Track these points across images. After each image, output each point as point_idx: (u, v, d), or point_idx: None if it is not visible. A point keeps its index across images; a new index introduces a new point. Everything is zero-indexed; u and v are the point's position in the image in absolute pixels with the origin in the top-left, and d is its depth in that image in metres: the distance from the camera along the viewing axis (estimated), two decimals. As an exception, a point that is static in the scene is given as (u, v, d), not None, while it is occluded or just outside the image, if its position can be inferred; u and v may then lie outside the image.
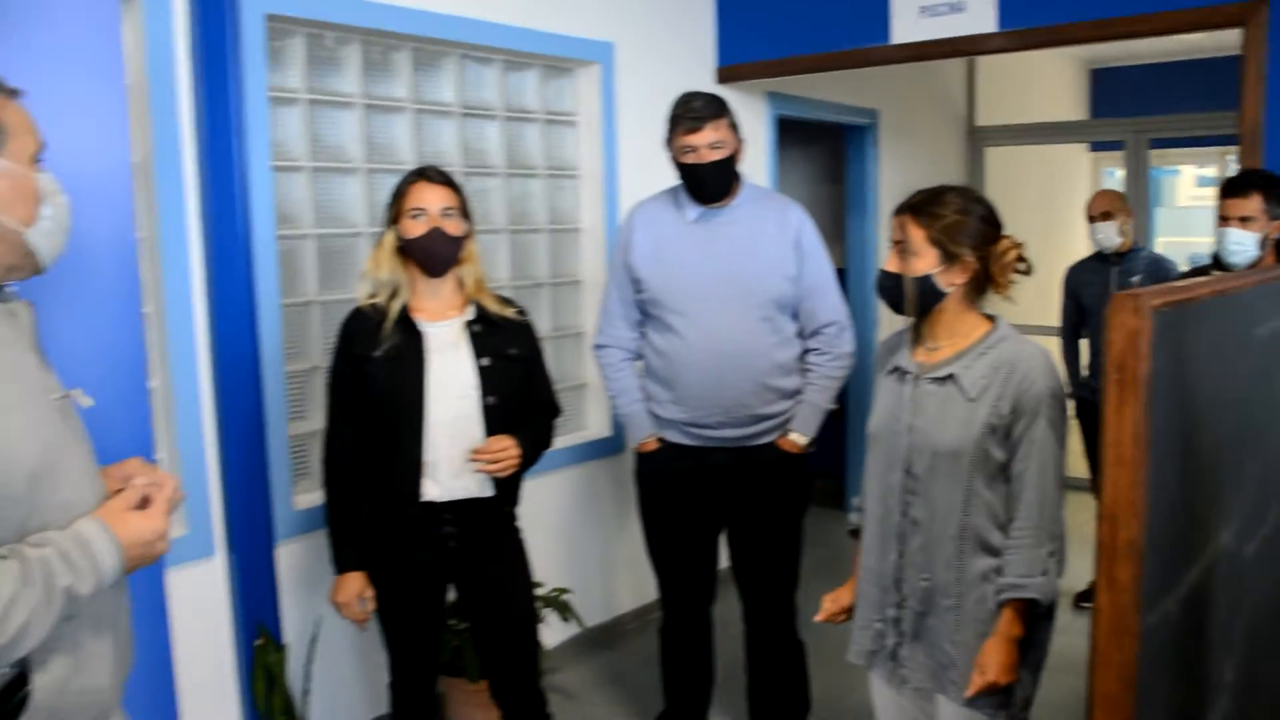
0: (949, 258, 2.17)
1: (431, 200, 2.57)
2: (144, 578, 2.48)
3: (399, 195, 2.62)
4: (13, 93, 1.55)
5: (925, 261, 2.18)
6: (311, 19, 3.31)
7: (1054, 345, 4.72)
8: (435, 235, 2.56)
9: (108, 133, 2.35)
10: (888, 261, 2.25)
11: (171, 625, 2.71)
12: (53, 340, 1.84)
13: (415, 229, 2.57)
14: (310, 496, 3.44)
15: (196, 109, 3.03)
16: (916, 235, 2.18)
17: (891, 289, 2.24)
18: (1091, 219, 4.69)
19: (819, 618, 2.48)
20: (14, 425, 1.41)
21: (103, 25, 2.40)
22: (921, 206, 2.19)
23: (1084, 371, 4.92)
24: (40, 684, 1.45)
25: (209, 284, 3.10)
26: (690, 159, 3.04)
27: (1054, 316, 5.37)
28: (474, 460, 2.58)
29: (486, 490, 2.64)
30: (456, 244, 2.60)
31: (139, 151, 2.91)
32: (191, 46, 3.01)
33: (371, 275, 2.66)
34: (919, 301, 2.20)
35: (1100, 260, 4.79)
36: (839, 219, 6.31)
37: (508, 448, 2.60)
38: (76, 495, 1.51)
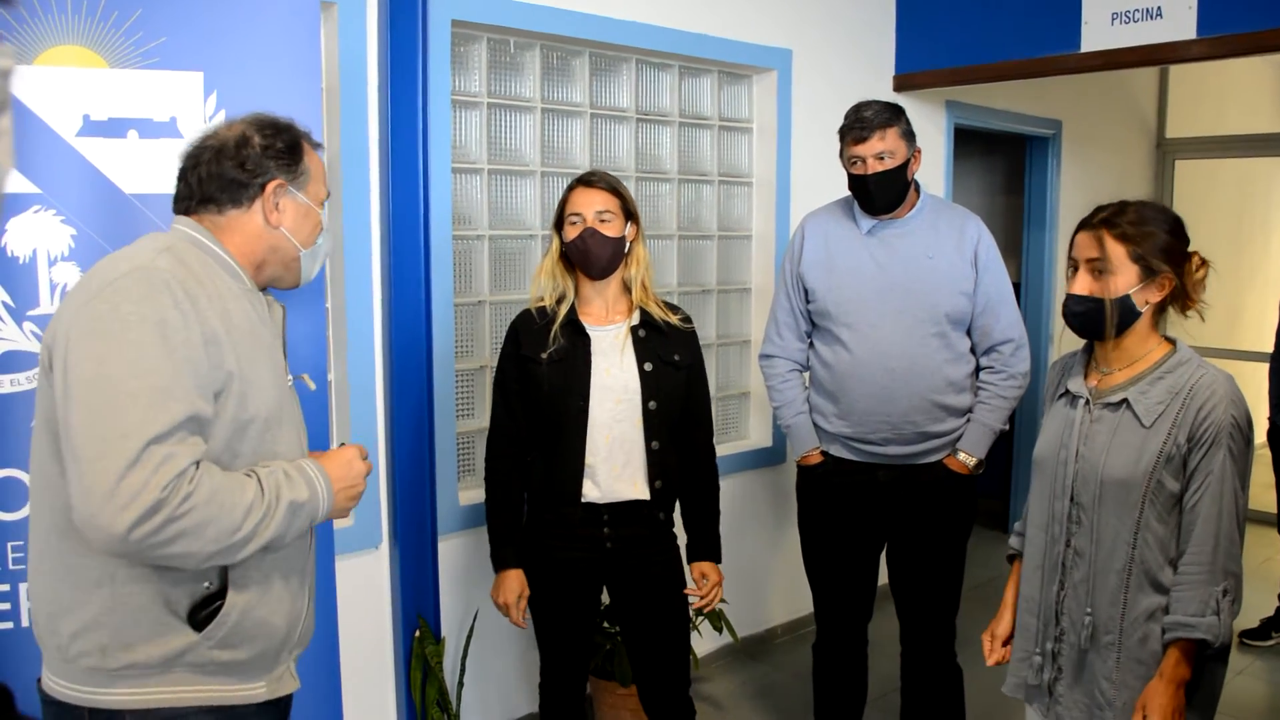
0: (1148, 275, 2.05)
1: (587, 204, 2.60)
2: (317, 564, 2.58)
3: (561, 202, 2.67)
4: (316, 145, 1.90)
5: (1124, 280, 2.05)
6: (494, 25, 3.38)
7: (1246, 371, 4.44)
8: (588, 236, 2.58)
9: (303, 134, 2.44)
10: (1076, 284, 2.11)
11: (339, 611, 2.81)
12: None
13: (571, 233, 2.61)
14: (474, 493, 3.51)
15: (383, 111, 3.12)
16: (1116, 252, 2.05)
17: (1084, 314, 2.10)
18: None
19: (991, 661, 2.39)
20: (259, 376, 1.69)
21: (303, 32, 2.51)
22: (1118, 221, 2.07)
23: None
24: (231, 602, 1.68)
25: (387, 281, 3.19)
26: (858, 169, 2.98)
27: (1245, 340, 5.08)
28: (692, 604, 2.81)
29: (642, 494, 2.65)
30: (613, 245, 2.61)
31: (328, 151, 3.02)
32: (381, 51, 3.11)
33: (538, 282, 2.72)
34: (1118, 324, 2.08)
35: None
36: (1016, 232, 6.11)
37: (711, 580, 2.80)
38: (290, 455, 1.76)
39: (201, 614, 1.66)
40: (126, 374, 1.50)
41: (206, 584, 1.67)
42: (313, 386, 1.96)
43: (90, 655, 1.62)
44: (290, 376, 1.85)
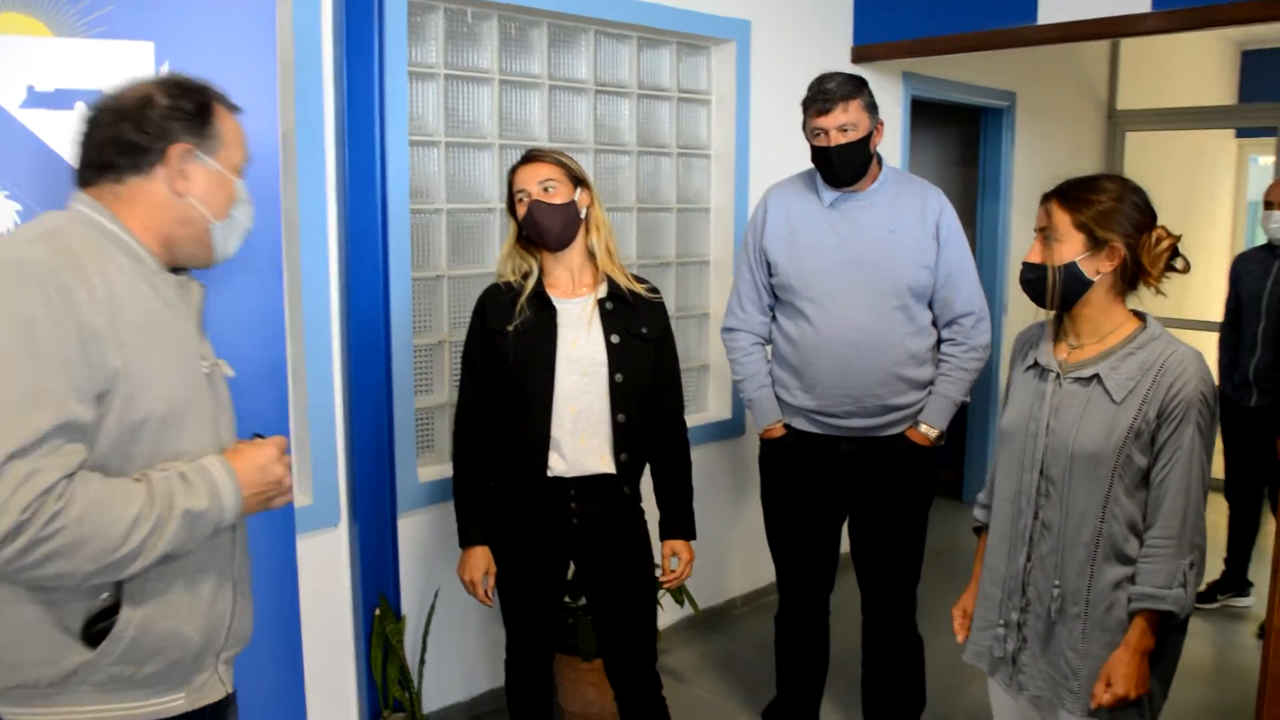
0: (1095, 244, 2.06)
1: (530, 178, 2.58)
2: (276, 543, 2.56)
3: (508, 184, 2.64)
4: (233, 108, 1.75)
5: (1070, 248, 2.07)
6: (451, -6, 3.33)
7: (1193, 341, 4.48)
8: (535, 209, 2.56)
9: (258, 108, 2.37)
10: (1031, 252, 2.14)
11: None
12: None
13: (521, 210, 2.59)
14: (434, 469, 3.48)
15: (338, 84, 3.06)
16: (1062, 220, 2.08)
17: (1036, 281, 2.13)
18: (1268, 205, 4.40)
19: (962, 638, 2.40)
20: (154, 371, 1.55)
21: (258, 4, 2.44)
22: (1069, 192, 2.09)
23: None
24: (126, 618, 1.56)
25: (343, 256, 3.13)
26: (820, 141, 2.98)
27: (1192, 310, 5.15)
28: (664, 586, 2.83)
29: (609, 467, 2.64)
30: (563, 212, 2.57)
31: (282, 125, 2.96)
32: (336, 22, 3.04)
33: (500, 264, 2.70)
34: (1063, 292, 2.10)
35: (1267, 251, 4.50)
36: (970, 204, 6.15)
37: (683, 559, 2.81)
38: (199, 450, 1.63)
39: (95, 629, 1.54)
40: None
41: (104, 595, 1.55)
42: (229, 373, 1.80)
43: None
44: (207, 362, 1.71)
